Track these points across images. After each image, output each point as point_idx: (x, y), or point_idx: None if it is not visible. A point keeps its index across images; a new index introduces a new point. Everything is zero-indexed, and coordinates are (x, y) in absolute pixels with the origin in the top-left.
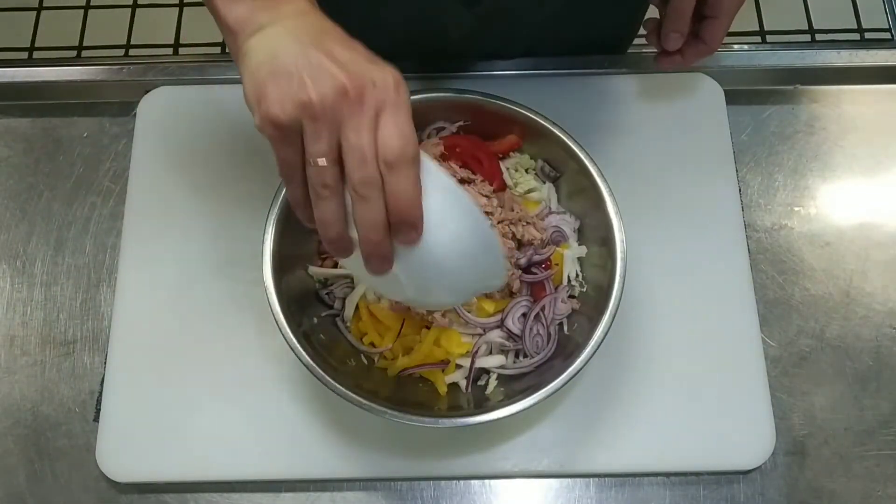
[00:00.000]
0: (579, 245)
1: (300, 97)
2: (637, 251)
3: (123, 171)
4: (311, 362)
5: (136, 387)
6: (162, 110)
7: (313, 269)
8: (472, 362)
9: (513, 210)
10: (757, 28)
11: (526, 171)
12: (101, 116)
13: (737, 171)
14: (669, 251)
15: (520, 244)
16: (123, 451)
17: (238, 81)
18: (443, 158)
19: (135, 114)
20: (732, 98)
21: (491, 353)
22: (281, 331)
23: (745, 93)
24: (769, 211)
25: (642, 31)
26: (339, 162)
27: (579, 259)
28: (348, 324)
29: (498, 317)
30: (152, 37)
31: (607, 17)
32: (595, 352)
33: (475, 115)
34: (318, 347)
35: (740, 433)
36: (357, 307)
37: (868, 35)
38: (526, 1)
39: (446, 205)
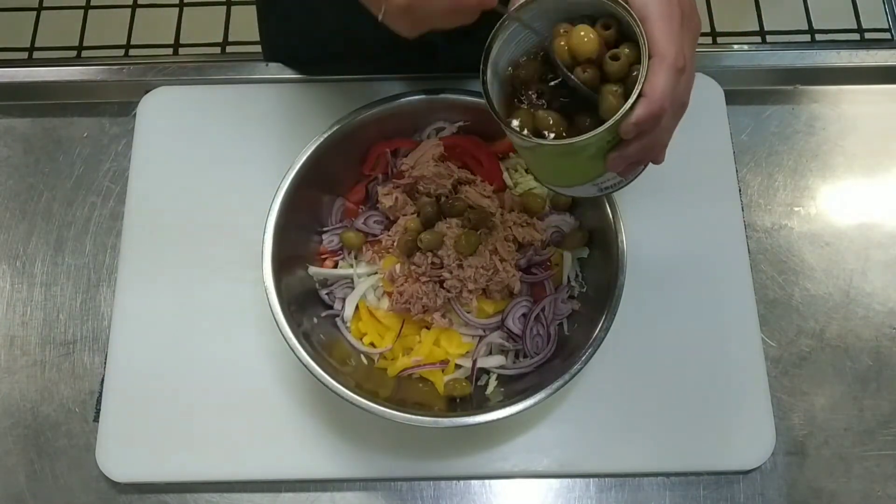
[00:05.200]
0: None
1: None
2: (637, 251)
3: (123, 171)
4: (311, 362)
5: (136, 387)
6: (162, 110)
7: (313, 270)
8: (474, 363)
9: (512, 211)
10: (757, 28)
11: (526, 171)
12: (101, 116)
13: (737, 171)
14: (669, 251)
15: (520, 245)
16: (123, 451)
17: (236, 82)
18: (443, 158)
19: (135, 114)
20: (732, 98)
21: (491, 353)
22: (281, 331)
23: (745, 93)
24: (769, 211)
25: None
26: None
27: (579, 260)
28: (348, 324)
29: (498, 317)
30: (152, 37)
31: None
32: (595, 352)
33: (475, 115)
34: (318, 347)
35: (740, 433)
36: (357, 307)
37: (868, 35)
38: None
39: None
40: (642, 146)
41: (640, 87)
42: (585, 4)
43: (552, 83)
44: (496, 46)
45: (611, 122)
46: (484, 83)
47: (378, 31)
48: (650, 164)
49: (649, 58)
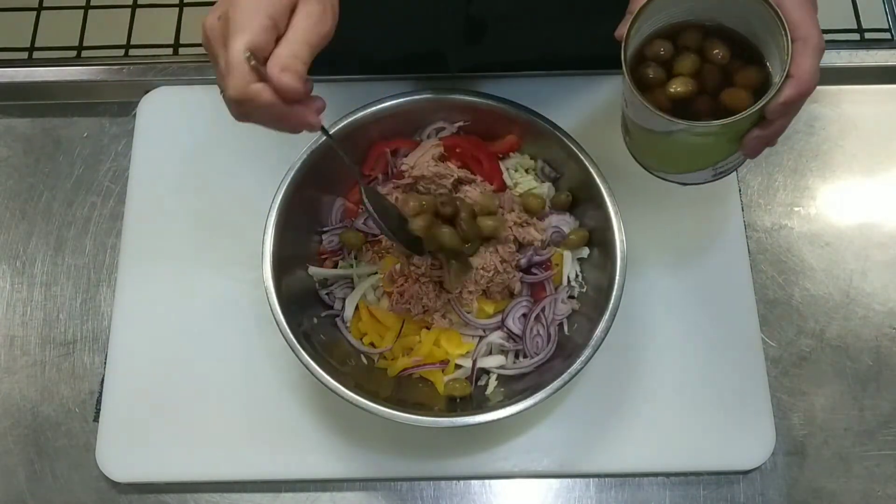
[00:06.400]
0: None
1: None
2: (637, 251)
3: (123, 171)
4: (311, 362)
5: (136, 387)
6: (162, 110)
7: (313, 270)
8: (474, 363)
9: (513, 211)
10: None
11: (526, 171)
12: (101, 116)
13: (737, 171)
14: (669, 251)
15: (520, 245)
16: (123, 451)
17: None
18: (443, 158)
19: (135, 114)
20: None
21: (491, 353)
22: (281, 331)
23: None
24: (769, 211)
25: None
26: None
27: (579, 260)
28: (348, 324)
29: (498, 317)
30: (152, 37)
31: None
32: (595, 352)
33: (475, 115)
34: (318, 347)
35: (740, 433)
36: (357, 307)
37: (868, 35)
38: (526, 38)
39: None
40: (781, 126)
41: (787, 69)
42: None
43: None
44: (636, 27)
45: (763, 100)
46: (624, 65)
47: (383, 43)
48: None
49: (793, 41)
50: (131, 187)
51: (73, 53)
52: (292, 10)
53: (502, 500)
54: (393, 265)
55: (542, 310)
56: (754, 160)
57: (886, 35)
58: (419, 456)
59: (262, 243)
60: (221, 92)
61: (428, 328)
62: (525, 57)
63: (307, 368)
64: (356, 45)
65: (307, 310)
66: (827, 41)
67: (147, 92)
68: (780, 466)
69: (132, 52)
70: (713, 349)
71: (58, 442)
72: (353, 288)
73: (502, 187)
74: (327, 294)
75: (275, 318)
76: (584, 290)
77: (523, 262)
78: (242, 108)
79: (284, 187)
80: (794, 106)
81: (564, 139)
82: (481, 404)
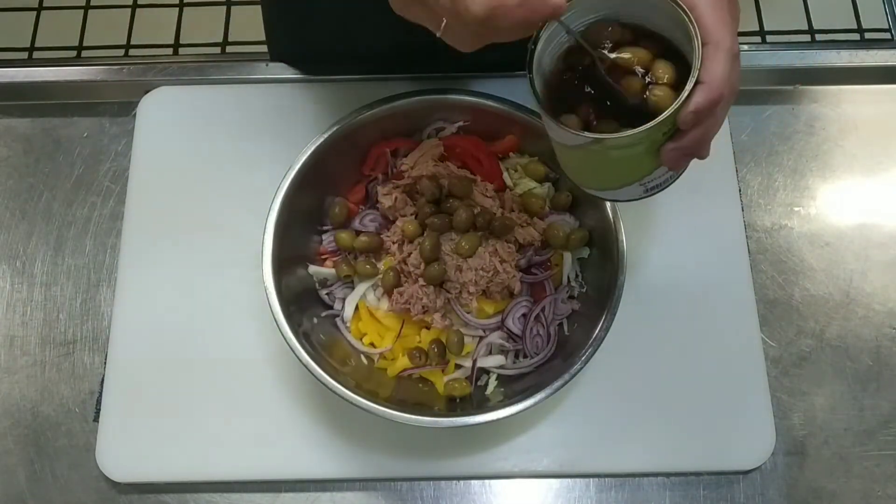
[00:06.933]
0: None
1: None
2: (637, 251)
3: (123, 171)
4: (310, 362)
5: (136, 387)
6: (162, 110)
7: (313, 269)
8: (474, 363)
9: (513, 211)
10: (757, 28)
11: (526, 173)
12: (101, 116)
13: (737, 171)
14: (669, 251)
15: (520, 246)
16: (123, 451)
17: (236, 82)
18: (442, 159)
19: (135, 114)
20: None
21: (491, 353)
22: (281, 331)
23: (745, 93)
24: (769, 211)
25: None
26: None
27: (579, 260)
28: (348, 324)
29: (498, 317)
30: (152, 37)
31: None
32: (595, 352)
33: (475, 115)
34: (318, 347)
35: (740, 433)
36: (357, 307)
37: (868, 35)
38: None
39: None
40: (697, 136)
41: (696, 75)
42: (627, 1)
43: (593, 83)
44: (540, 45)
45: (670, 110)
46: (531, 82)
47: (381, 34)
48: (690, 161)
49: (703, 45)
50: (131, 187)
51: (73, 53)
52: None
53: (502, 500)
54: (392, 266)
55: (542, 310)
56: (753, 161)
57: (886, 35)
58: (419, 456)
59: (262, 243)
60: (443, 27)
61: (428, 328)
62: (522, 54)
63: (307, 368)
64: (351, 37)
65: (307, 310)
66: (827, 41)
67: (147, 92)
68: (780, 466)
69: (132, 52)
70: (713, 349)
71: (58, 442)
72: (353, 288)
73: (502, 187)
74: (327, 294)
75: (275, 318)
76: (584, 290)
77: (523, 262)
78: (484, 28)
79: (284, 187)
80: (706, 114)
81: None
82: (481, 404)
